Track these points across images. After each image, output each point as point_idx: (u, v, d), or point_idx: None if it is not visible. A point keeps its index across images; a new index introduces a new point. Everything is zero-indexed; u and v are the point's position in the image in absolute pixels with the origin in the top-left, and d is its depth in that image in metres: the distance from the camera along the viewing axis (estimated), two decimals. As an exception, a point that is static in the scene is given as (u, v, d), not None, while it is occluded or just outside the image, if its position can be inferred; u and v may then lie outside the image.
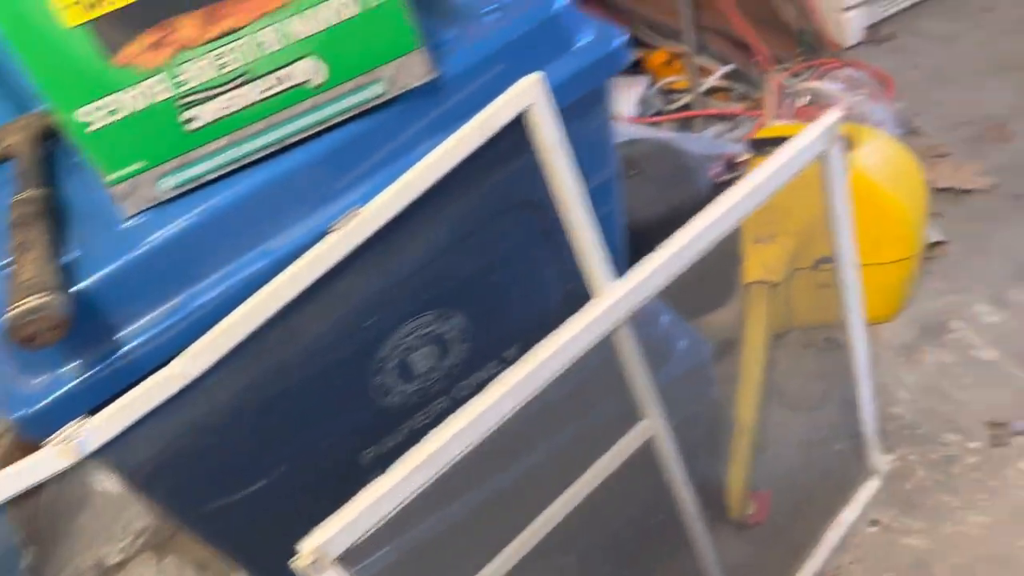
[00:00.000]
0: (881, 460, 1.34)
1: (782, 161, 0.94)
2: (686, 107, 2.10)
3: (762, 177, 0.91)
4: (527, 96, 0.75)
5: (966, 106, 1.94)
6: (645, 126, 1.99)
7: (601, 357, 0.91)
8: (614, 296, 0.87)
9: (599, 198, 0.86)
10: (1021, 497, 1.27)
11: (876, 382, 1.44)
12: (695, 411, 1.10)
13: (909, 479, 1.33)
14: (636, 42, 2.23)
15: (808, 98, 1.98)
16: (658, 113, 2.08)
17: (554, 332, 0.85)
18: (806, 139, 0.96)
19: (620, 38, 0.80)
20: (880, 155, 1.50)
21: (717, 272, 1.57)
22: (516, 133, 0.76)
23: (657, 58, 2.20)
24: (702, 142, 1.81)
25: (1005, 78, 1.97)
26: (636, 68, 2.22)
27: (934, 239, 1.65)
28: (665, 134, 1.86)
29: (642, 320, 0.98)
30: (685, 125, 2.09)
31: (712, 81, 2.11)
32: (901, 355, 1.50)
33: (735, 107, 2.06)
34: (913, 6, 2.26)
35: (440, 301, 0.85)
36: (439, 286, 0.84)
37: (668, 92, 2.18)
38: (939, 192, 1.76)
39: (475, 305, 0.87)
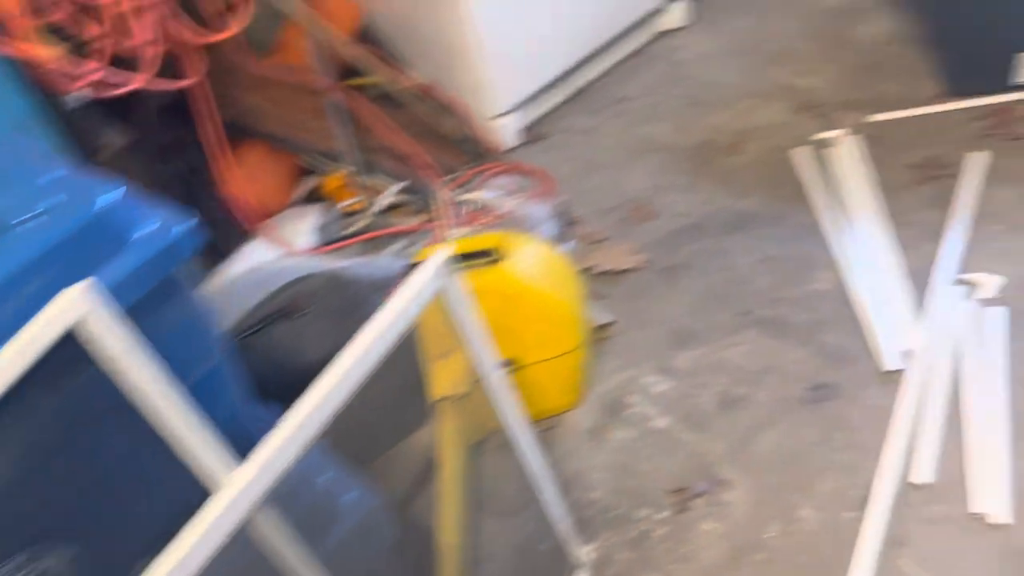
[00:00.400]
0: (583, 552, 1.38)
1: (398, 309, 0.95)
2: (367, 228, 2.12)
3: (379, 328, 0.92)
4: (75, 309, 0.69)
5: (614, 191, 2.14)
6: (323, 256, 1.98)
7: (245, 547, 0.85)
8: (235, 486, 0.82)
9: (208, 387, 0.81)
10: (710, 557, 1.35)
11: (572, 469, 1.50)
12: (372, 565, 1.06)
13: (611, 565, 1.37)
14: (310, 171, 2.23)
15: (477, 205, 2.08)
16: (338, 239, 2.08)
17: (174, 541, 0.78)
18: (419, 282, 0.99)
19: (184, 224, 0.77)
20: (534, 259, 1.59)
21: (412, 392, 1.56)
22: (71, 346, 0.69)
23: (332, 183, 2.21)
24: (378, 265, 1.83)
25: (643, 161, 2.21)
26: (313, 196, 2.21)
27: (603, 321, 1.77)
28: (340, 262, 1.85)
29: (290, 491, 0.93)
30: (369, 246, 2.11)
31: (387, 199, 2.15)
32: (589, 438, 1.58)
33: (412, 222, 2.11)
34: (558, 106, 2.47)
35: (32, 539, 0.74)
36: (26, 523, 0.74)
37: (349, 215, 2.19)
38: (601, 275, 1.90)
39: (80, 531, 0.78)
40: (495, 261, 1.54)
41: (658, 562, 1.37)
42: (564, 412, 1.64)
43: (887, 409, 1.48)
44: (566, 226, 2.05)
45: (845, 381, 1.55)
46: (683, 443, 1.53)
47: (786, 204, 1.97)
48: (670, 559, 1.38)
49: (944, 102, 2.09)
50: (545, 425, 1.59)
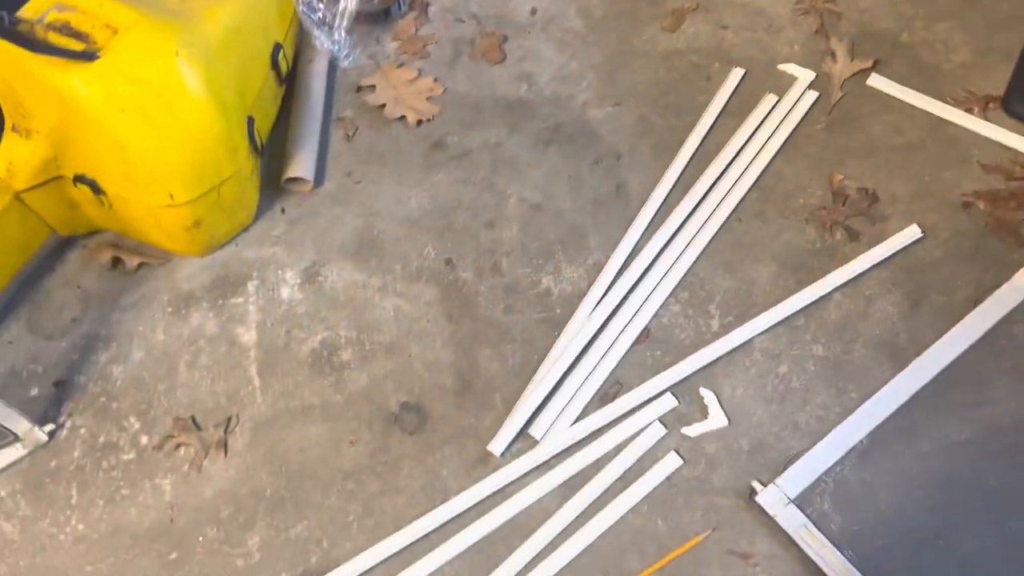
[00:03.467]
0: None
1: None
2: None
3: None
4: None
5: None
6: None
7: None
8: None
9: None
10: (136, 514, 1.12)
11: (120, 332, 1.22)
12: None
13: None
14: None
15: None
16: None
17: None
18: None
19: None
20: (148, 69, 1.13)
21: None
22: None
23: None
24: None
25: None
26: None
27: (295, 174, 1.34)
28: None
29: None
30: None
31: None
32: (170, 312, 1.27)
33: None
34: None
35: None
36: None
37: None
38: (374, 109, 1.42)
39: None
40: (84, 57, 1.10)
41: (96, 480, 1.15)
42: (181, 255, 1.31)
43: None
44: (387, 16, 1.50)
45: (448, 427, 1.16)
46: (241, 378, 1.21)
47: (654, 141, 1.37)
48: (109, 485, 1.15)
49: (976, 111, 1.31)
50: (155, 258, 1.28)
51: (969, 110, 1.30)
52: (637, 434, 1.12)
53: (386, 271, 1.27)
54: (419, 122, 1.40)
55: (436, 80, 1.45)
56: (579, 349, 1.18)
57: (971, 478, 1.04)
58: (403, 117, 1.41)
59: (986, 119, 1.30)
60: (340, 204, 1.34)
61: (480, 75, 1.46)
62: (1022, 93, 1.25)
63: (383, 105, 1.43)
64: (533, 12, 1.51)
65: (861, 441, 1.08)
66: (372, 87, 1.45)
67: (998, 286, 1.15)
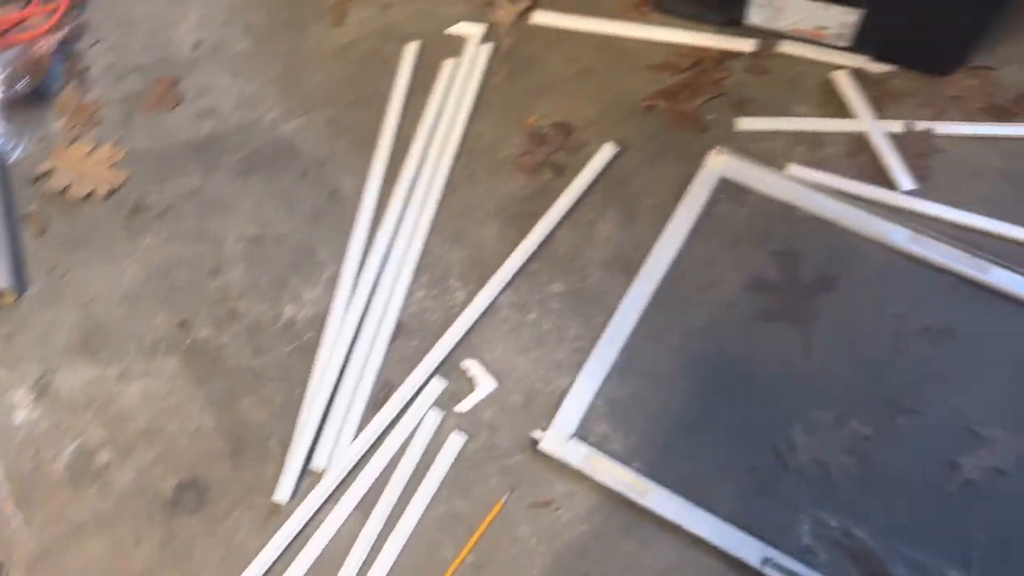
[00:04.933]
0: None
1: None
2: None
3: None
4: None
5: (159, 37, 1.46)
6: None
7: None
8: None
9: None
10: None
11: None
12: None
13: None
14: None
15: None
16: None
17: None
18: None
19: None
20: None
21: None
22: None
23: None
24: None
25: None
26: None
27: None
28: None
29: None
30: None
31: None
32: None
33: None
34: None
35: None
36: None
37: None
38: (57, 195, 1.31)
39: None
40: None
41: None
42: None
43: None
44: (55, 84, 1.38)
45: (227, 488, 1.11)
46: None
47: (352, 138, 1.34)
48: None
49: (634, 19, 1.37)
50: None
51: (629, 19, 1.36)
52: (417, 427, 1.11)
53: (120, 357, 1.20)
54: (109, 192, 1.32)
55: (115, 144, 1.37)
56: (339, 366, 1.16)
57: (718, 354, 1.11)
58: (91, 193, 1.33)
59: (647, 23, 1.36)
60: (51, 304, 1.25)
61: (160, 125, 1.39)
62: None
63: (67, 187, 1.33)
64: (197, 45, 1.45)
65: (618, 357, 1.12)
66: (50, 172, 1.35)
67: (694, 174, 1.22)
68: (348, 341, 1.18)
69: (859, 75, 1.27)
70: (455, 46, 1.39)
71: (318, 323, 1.20)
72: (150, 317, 1.23)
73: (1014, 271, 1.10)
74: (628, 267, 1.18)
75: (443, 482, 1.08)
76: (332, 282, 1.22)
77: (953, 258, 1.12)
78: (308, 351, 1.18)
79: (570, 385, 1.11)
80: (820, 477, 1.03)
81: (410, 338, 1.17)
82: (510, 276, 1.19)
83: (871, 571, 0.97)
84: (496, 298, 1.18)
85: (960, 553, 0.97)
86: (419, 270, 1.22)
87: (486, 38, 1.39)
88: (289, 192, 1.30)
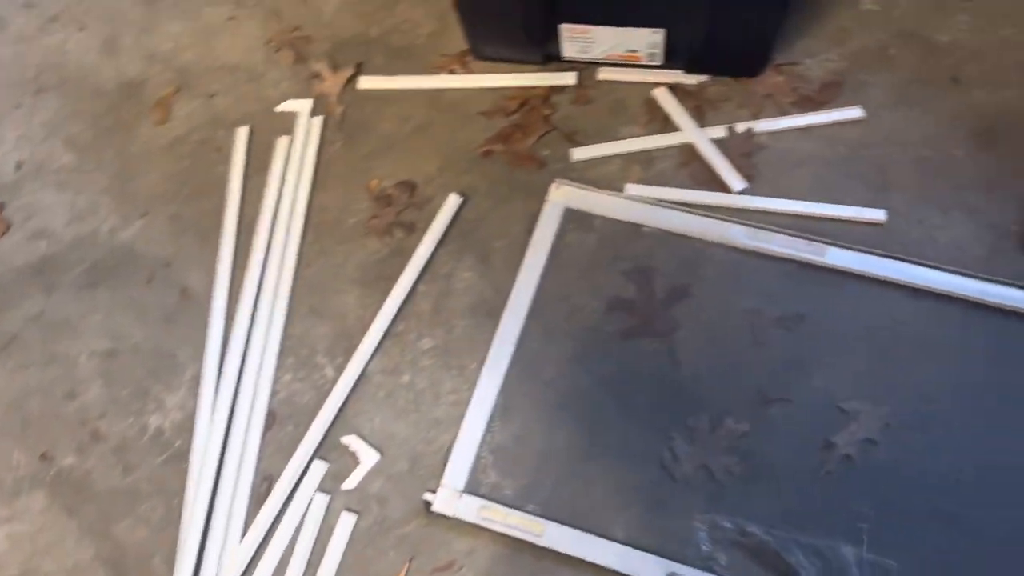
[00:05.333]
0: None
1: None
2: None
3: None
4: None
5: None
6: None
7: None
8: None
9: None
10: None
11: None
12: None
13: None
14: None
15: None
16: None
17: None
18: None
19: None
20: None
21: None
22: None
23: None
24: None
25: (39, 99, 1.43)
26: None
27: None
28: None
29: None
30: None
31: None
32: None
33: None
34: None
35: None
36: None
37: None
38: None
39: None
40: None
41: None
42: None
43: None
44: None
45: None
46: None
47: (195, 233, 1.30)
48: None
49: (458, 71, 1.39)
50: None
51: (452, 71, 1.39)
52: (304, 515, 1.08)
53: (-22, 505, 1.12)
54: (-56, 334, 1.25)
55: (-57, 282, 1.30)
56: (214, 468, 1.12)
57: (592, 380, 1.12)
58: (-77, 338, 1.25)
59: (471, 72, 1.39)
60: None
61: (-11, 254, 1.33)
62: (477, 37, 1.35)
63: None
64: (18, 167, 1.40)
65: (496, 402, 1.12)
66: None
67: (540, 210, 1.24)
68: (220, 440, 1.14)
69: (677, 89, 1.32)
70: (286, 123, 1.38)
71: (187, 427, 1.16)
72: (7, 456, 1.16)
73: (849, 248, 1.15)
74: (492, 311, 1.18)
75: (340, 567, 1.05)
76: (195, 382, 1.18)
77: (792, 247, 1.16)
78: (181, 458, 1.14)
79: (453, 440, 1.10)
80: (707, 482, 1.05)
81: (284, 425, 1.14)
82: (377, 341, 1.18)
83: (770, 565, 0.99)
84: (366, 367, 1.17)
85: (849, 528, 1.00)
86: (283, 353, 1.19)
87: (316, 110, 1.38)
88: (137, 299, 1.26)
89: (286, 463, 1.11)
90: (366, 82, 1.40)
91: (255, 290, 1.23)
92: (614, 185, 1.26)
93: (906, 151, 1.23)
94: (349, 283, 1.23)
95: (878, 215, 1.17)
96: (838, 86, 1.29)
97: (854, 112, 1.26)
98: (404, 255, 1.24)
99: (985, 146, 1.22)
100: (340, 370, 1.17)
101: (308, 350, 1.19)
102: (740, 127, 1.27)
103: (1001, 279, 1.11)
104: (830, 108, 1.27)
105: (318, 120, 1.37)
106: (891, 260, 1.13)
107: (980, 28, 1.32)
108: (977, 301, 1.10)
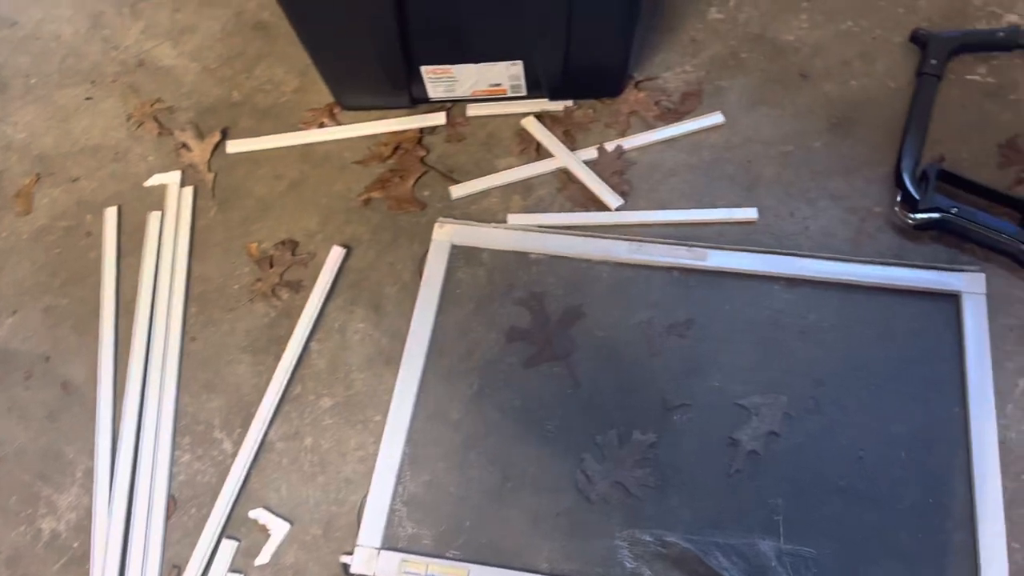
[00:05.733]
0: None
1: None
2: None
3: None
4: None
5: None
6: None
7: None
8: None
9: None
10: None
11: None
12: None
13: None
14: None
15: None
16: None
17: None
18: None
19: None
20: None
21: None
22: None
23: None
24: None
25: None
26: None
27: None
28: None
29: None
30: None
31: None
32: None
33: None
34: None
35: None
36: None
37: None
38: None
39: None
40: None
41: None
42: None
43: None
44: None
45: None
46: None
47: (73, 323, 1.25)
48: None
49: (328, 123, 1.38)
50: None
51: (322, 124, 1.38)
52: (219, 599, 1.03)
53: None
54: None
55: None
56: (117, 565, 1.06)
57: (498, 413, 1.11)
58: None
59: (341, 123, 1.38)
60: None
61: None
62: (341, 88, 1.34)
63: None
64: None
65: (404, 452, 1.10)
66: None
67: (427, 251, 1.23)
68: (121, 535, 1.08)
69: (545, 116, 1.34)
70: (157, 198, 1.34)
71: (84, 527, 1.10)
72: None
73: (728, 249, 1.18)
74: (390, 360, 1.17)
75: (262, 647, 1.00)
76: (88, 479, 1.13)
77: (674, 255, 1.19)
78: (81, 561, 1.08)
79: (365, 497, 1.07)
80: (623, 498, 1.05)
81: (187, 509, 1.10)
82: (274, 408, 1.15)
83: (694, 571, 0.99)
84: (266, 435, 1.13)
85: (765, 522, 1.01)
86: (178, 433, 1.15)
87: (186, 181, 1.35)
88: (17, 400, 1.20)
89: (193, 548, 1.06)
90: (234, 146, 1.38)
91: (141, 373, 1.19)
92: (497, 217, 1.27)
93: (768, 149, 1.28)
94: (239, 351, 1.20)
95: (750, 213, 1.21)
96: (697, 95, 1.33)
97: (715, 118, 1.30)
98: (293, 315, 1.21)
99: (840, 135, 1.28)
100: (239, 443, 1.13)
101: (204, 426, 1.15)
102: (610, 146, 1.30)
103: (870, 259, 1.16)
104: (692, 117, 1.31)
105: (189, 190, 1.34)
106: (767, 255, 1.17)
107: (820, 24, 1.39)
108: (850, 283, 1.14)
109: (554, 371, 1.14)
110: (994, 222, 1.13)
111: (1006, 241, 1.12)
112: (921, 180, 1.18)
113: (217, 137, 1.38)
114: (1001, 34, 1.32)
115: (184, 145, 1.38)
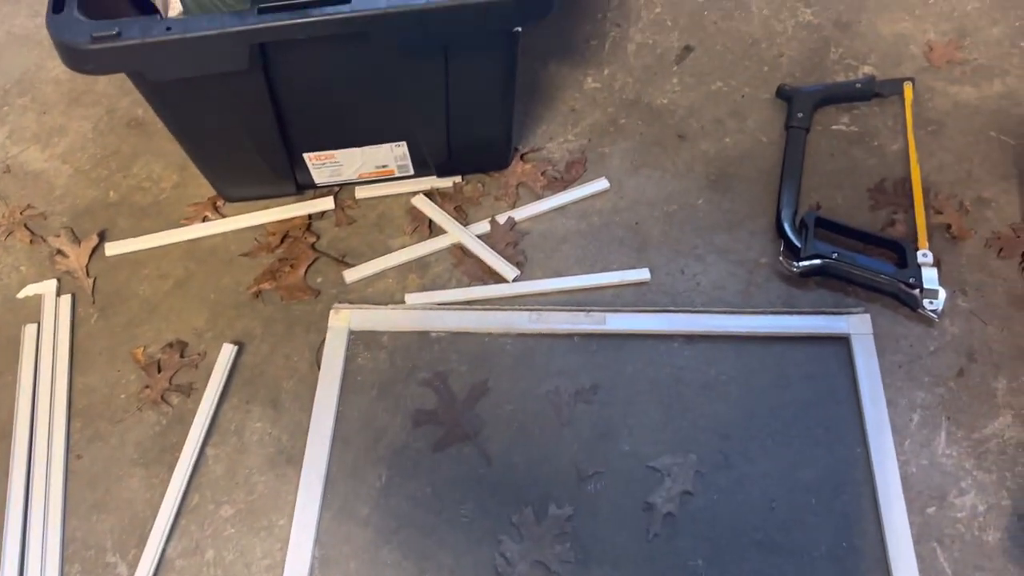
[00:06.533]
0: None
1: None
2: None
3: None
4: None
5: None
6: None
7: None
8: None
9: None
10: None
11: None
12: None
13: None
14: None
15: None
16: None
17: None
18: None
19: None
20: None
21: None
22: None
23: None
24: None
25: None
26: None
27: None
28: None
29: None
30: None
31: None
32: None
33: None
34: None
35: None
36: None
37: None
38: None
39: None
40: None
41: None
42: None
43: None
44: None
45: None
46: None
47: None
48: None
49: (212, 217, 1.34)
50: None
51: (206, 218, 1.34)
52: None
53: None
54: None
55: None
56: None
57: (410, 504, 1.08)
58: None
59: (226, 216, 1.34)
60: None
61: None
62: (222, 181, 1.31)
63: None
64: None
65: (314, 555, 1.05)
66: None
67: (324, 339, 1.20)
68: None
69: (435, 194, 1.34)
70: (32, 310, 1.27)
71: None
72: None
73: (625, 311, 1.19)
74: (292, 458, 1.12)
75: None
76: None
77: (573, 321, 1.19)
78: None
79: (274, 608, 1.01)
80: (544, 577, 1.02)
81: (80, 644, 1.01)
82: (171, 522, 1.08)
83: (621, 645, 0.97)
84: (163, 553, 1.06)
85: (688, 584, 1.00)
86: (67, 561, 1.07)
87: (63, 289, 1.29)
88: None
89: None
90: (114, 248, 1.32)
91: (23, 499, 1.10)
92: (394, 298, 1.25)
93: (654, 209, 1.30)
94: (130, 465, 1.13)
95: (643, 274, 1.23)
96: (581, 163, 1.36)
97: (600, 184, 1.33)
98: (186, 421, 1.16)
99: (720, 191, 1.32)
100: (135, 564, 1.06)
101: (95, 550, 1.07)
102: (501, 218, 1.30)
103: (761, 309, 1.18)
104: (578, 184, 1.33)
105: (67, 298, 1.28)
106: (663, 313, 1.18)
107: (692, 87, 1.45)
108: (745, 334, 1.17)
109: (464, 452, 1.11)
110: (873, 264, 1.18)
111: (886, 281, 1.17)
112: (801, 229, 1.22)
113: (95, 240, 1.32)
114: (858, 85, 1.40)
115: (59, 251, 1.32)
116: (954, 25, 1.49)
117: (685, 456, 1.08)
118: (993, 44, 1.45)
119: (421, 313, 1.22)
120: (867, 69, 1.44)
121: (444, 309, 1.22)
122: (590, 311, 1.19)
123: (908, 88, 1.39)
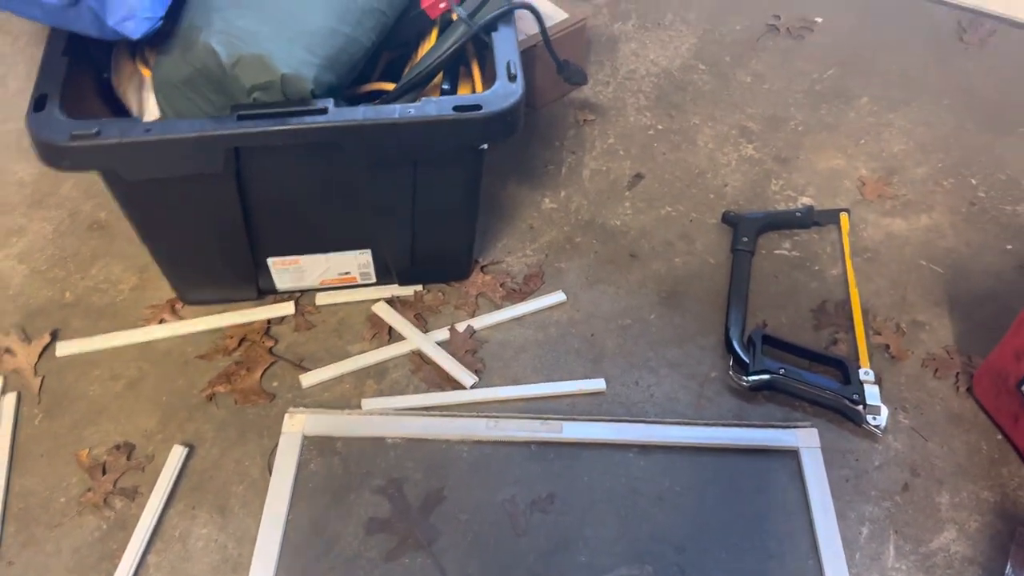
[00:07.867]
0: None
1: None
2: None
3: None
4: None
5: None
6: None
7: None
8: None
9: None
10: None
11: None
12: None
13: None
14: None
15: None
16: None
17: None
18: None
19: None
20: None
21: None
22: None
23: None
24: None
25: None
26: None
27: None
28: None
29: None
30: None
31: None
32: None
33: None
34: None
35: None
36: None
37: None
38: None
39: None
40: None
41: None
42: None
43: None
44: None
45: None
46: None
47: None
48: None
49: (169, 319, 1.32)
50: None
51: (163, 320, 1.33)
52: None
53: None
54: None
55: None
56: None
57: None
58: None
59: (183, 318, 1.34)
60: None
61: None
62: (183, 284, 1.31)
63: None
64: None
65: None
66: None
67: (277, 444, 1.18)
68: None
69: (396, 301, 1.37)
70: (-28, 407, 1.23)
71: None
72: None
73: (580, 420, 1.21)
74: (238, 567, 1.08)
75: None
76: None
77: (530, 429, 1.20)
78: None
79: None
80: None
81: None
82: (104, 635, 1.02)
83: None
84: (93, 669, 1.00)
85: None
86: None
87: (8, 387, 1.26)
88: None
89: None
90: (65, 348, 1.30)
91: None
92: (351, 403, 1.25)
93: (608, 323, 1.35)
94: (65, 573, 1.08)
95: (598, 385, 1.26)
96: (539, 276, 1.41)
97: (557, 296, 1.37)
98: (128, 526, 1.12)
99: (671, 307, 1.37)
100: None
101: (18, 667, 1.00)
102: (460, 327, 1.33)
103: (713, 421, 1.21)
104: (536, 296, 1.38)
105: (11, 397, 1.24)
106: (618, 423, 1.20)
107: (643, 210, 1.53)
108: (698, 445, 1.19)
109: (418, 562, 1.09)
110: (818, 380, 1.23)
111: (831, 397, 1.21)
112: (749, 345, 1.27)
113: (46, 339, 1.31)
114: (798, 214, 1.49)
115: (7, 350, 1.30)
116: (883, 164, 1.61)
117: (641, 568, 1.08)
118: (919, 183, 1.58)
119: (377, 419, 1.22)
120: (806, 199, 1.54)
121: (401, 415, 1.22)
122: (547, 419, 1.21)
123: (844, 218, 1.49)
